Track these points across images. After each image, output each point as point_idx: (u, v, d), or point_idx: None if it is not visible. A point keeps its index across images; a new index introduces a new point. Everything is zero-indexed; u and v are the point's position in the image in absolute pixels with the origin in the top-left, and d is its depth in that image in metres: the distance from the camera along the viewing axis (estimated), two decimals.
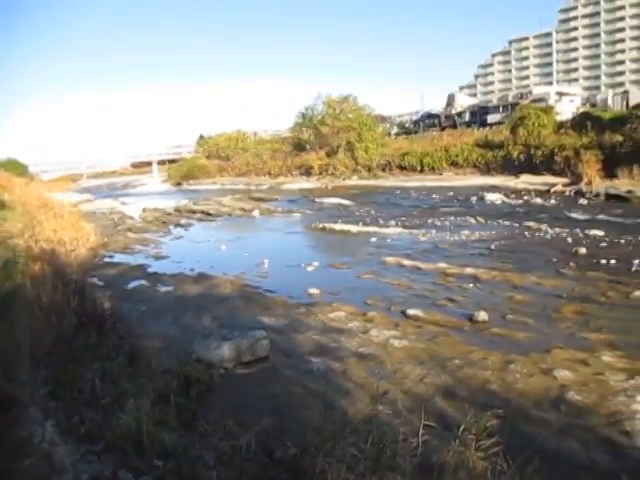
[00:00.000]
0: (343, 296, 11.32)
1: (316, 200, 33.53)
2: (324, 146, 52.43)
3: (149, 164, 77.90)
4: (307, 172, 51.54)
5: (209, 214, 29.30)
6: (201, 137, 72.74)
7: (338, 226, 22.13)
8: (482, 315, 9.34)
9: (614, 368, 6.94)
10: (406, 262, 14.50)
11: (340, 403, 5.85)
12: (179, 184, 59.64)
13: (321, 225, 22.58)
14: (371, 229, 21.03)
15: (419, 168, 45.78)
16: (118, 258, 17.19)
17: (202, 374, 6.39)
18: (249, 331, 7.93)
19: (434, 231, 19.75)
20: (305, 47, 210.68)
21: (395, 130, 67.52)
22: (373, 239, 18.62)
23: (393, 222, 22.55)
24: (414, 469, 3.52)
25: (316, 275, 13.70)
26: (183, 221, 27.03)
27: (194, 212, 30.19)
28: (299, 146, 56.32)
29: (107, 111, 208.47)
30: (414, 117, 72.60)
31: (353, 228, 21.59)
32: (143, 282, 13.40)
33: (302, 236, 21.95)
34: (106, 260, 16.83)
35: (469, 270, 13.10)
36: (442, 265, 13.90)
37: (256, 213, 28.82)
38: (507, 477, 3.28)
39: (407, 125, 70.96)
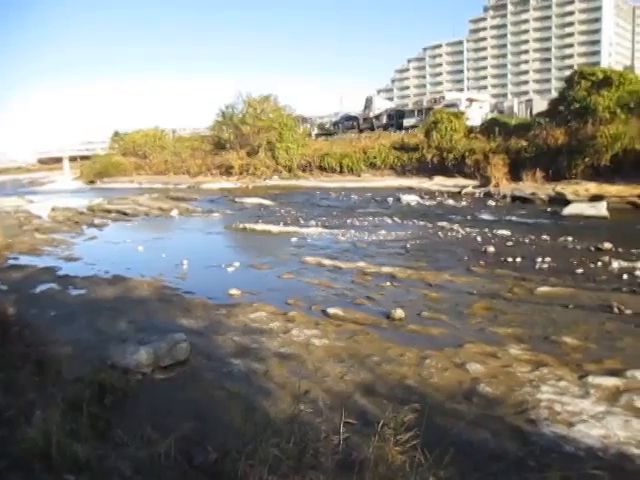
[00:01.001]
0: (264, 296, 11.27)
1: (236, 200, 33.18)
2: (245, 145, 51.99)
3: (58, 160, 73.79)
4: (227, 172, 50.90)
5: (125, 214, 28.19)
6: (116, 133, 69.81)
7: (259, 226, 22.02)
8: (399, 312, 9.62)
9: (520, 360, 7.37)
10: (326, 262, 14.68)
11: (262, 404, 5.82)
12: (92, 182, 57.02)
13: (242, 225, 22.37)
14: (292, 229, 21.10)
15: (339, 169, 46.55)
16: (24, 260, 16.12)
17: (118, 381, 6.12)
18: (168, 334, 7.70)
19: (353, 231, 20.14)
20: (230, 48, 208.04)
21: (315, 131, 68.15)
22: (294, 239, 18.69)
23: (313, 222, 22.76)
24: (336, 466, 3.56)
25: (237, 276, 13.55)
26: (97, 221, 25.81)
27: (109, 212, 28.93)
28: (219, 145, 55.52)
29: (10, 103, 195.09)
30: (333, 119, 73.66)
31: (274, 228, 21.56)
32: (52, 285, 12.65)
33: (222, 236, 21.64)
34: (10, 262, 15.73)
35: (386, 269, 13.47)
36: (361, 264, 14.20)
37: (175, 213, 28.07)
38: (424, 469, 3.39)
39: (327, 126, 71.86)
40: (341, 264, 14.34)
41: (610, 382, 6.49)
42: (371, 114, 66.71)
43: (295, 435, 3.73)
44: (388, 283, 12.22)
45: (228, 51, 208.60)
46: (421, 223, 21.78)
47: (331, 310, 10.06)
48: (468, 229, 19.56)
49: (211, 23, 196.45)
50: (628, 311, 9.47)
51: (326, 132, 67.28)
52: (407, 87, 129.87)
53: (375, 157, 45.06)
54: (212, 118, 59.08)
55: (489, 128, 40.93)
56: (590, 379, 6.60)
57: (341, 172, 46.17)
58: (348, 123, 67.66)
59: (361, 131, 60.91)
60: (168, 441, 4.06)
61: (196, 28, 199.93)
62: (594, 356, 7.51)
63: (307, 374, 6.85)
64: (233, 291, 11.56)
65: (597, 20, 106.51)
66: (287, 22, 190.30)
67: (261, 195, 34.41)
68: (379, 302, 10.73)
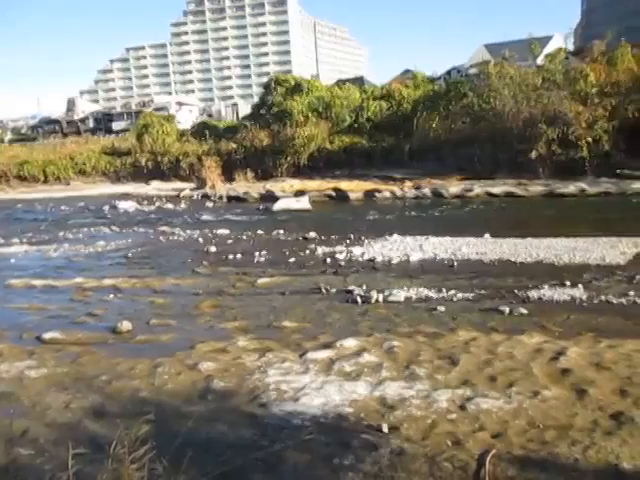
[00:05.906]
0: None
1: None
2: None
3: None
4: None
5: None
6: None
7: None
8: (125, 325, 9.21)
9: (249, 350, 7.81)
10: (37, 282, 13.15)
11: None
12: None
13: None
14: None
15: (43, 178, 42.25)
16: None
17: None
18: None
19: (67, 245, 18.47)
20: None
21: (9, 136, 60.35)
22: None
23: (17, 240, 20.10)
24: None
25: None
26: None
27: None
28: None
29: None
30: (31, 122, 66.44)
31: None
32: None
33: None
34: None
35: (108, 281, 12.75)
36: (79, 280, 13.13)
37: None
38: (164, 478, 3.36)
39: (23, 131, 64.42)
40: (55, 282, 13.02)
41: (324, 354, 7.37)
42: (76, 117, 62.05)
43: None
44: (111, 296, 11.57)
45: None
46: (142, 230, 21.20)
47: (47, 335, 9.06)
48: (189, 231, 19.80)
49: None
50: (333, 290, 10.90)
51: (23, 137, 59.98)
52: (113, 89, 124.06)
53: (85, 163, 42.10)
54: None
55: (200, 131, 42.13)
56: (309, 355, 7.38)
57: (46, 181, 41.84)
58: (50, 127, 61.68)
59: (65, 135, 56.12)
60: None
61: None
62: (310, 334, 8.41)
63: (23, 412, 6.07)
64: None
65: (286, 32, 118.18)
66: None
67: None
68: (103, 317, 10.10)
